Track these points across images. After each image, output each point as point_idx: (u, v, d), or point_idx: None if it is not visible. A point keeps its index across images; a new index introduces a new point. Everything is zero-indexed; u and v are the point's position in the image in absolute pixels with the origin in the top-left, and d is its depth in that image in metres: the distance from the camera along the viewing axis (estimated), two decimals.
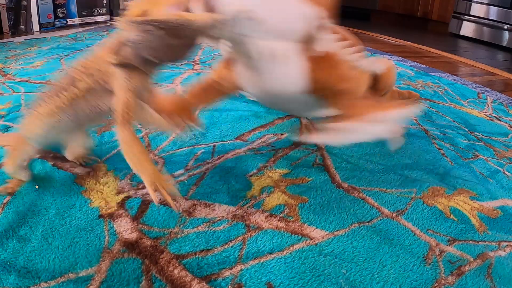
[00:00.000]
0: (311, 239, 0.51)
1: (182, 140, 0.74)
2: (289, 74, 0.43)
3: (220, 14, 0.39)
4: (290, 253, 0.49)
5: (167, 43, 0.43)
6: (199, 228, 0.52)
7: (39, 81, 1.06)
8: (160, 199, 0.57)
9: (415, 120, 0.92)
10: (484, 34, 2.17)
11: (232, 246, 0.49)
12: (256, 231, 0.52)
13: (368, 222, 0.55)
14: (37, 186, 0.59)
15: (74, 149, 0.61)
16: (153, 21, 0.41)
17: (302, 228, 0.53)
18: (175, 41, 0.43)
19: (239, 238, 0.51)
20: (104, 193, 0.58)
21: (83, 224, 0.52)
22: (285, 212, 0.56)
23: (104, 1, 2.14)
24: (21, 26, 1.83)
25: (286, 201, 0.59)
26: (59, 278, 0.43)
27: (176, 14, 0.41)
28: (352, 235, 0.52)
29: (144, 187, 0.60)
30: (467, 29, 2.26)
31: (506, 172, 0.72)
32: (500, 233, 0.55)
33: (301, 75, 0.44)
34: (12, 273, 0.44)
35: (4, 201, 0.56)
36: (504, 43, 2.06)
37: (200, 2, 0.40)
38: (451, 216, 0.57)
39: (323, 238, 0.52)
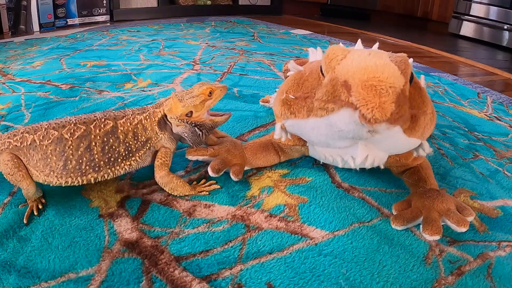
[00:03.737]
0: (311, 239, 0.51)
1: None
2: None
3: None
4: (290, 253, 0.49)
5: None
6: (199, 228, 0.52)
7: (39, 81, 1.06)
8: (160, 200, 0.57)
9: None
10: (484, 34, 2.17)
11: (232, 246, 0.49)
12: (256, 231, 0.52)
13: (368, 222, 0.55)
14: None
15: None
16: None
17: (302, 228, 0.53)
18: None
19: (239, 238, 0.51)
20: (104, 193, 0.58)
21: (83, 224, 0.52)
22: (285, 212, 0.56)
23: (104, 1, 2.14)
24: (21, 26, 1.83)
25: (286, 201, 0.59)
26: (59, 277, 0.43)
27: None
28: (352, 235, 0.52)
29: (144, 187, 0.60)
30: (467, 29, 2.26)
31: (506, 172, 0.71)
32: (500, 233, 0.55)
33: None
34: (12, 273, 0.44)
35: (5, 201, 0.56)
36: (504, 43, 2.06)
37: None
38: None
39: (323, 238, 0.52)
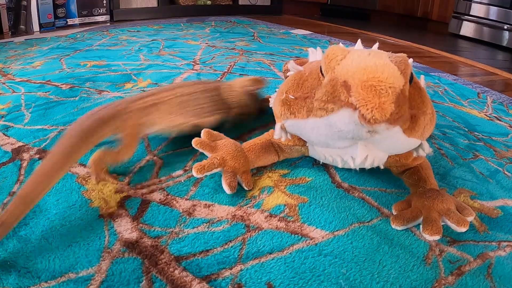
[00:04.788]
0: (311, 239, 0.51)
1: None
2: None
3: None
4: (290, 253, 0.49)
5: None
6: (199, 228, 0.52)
7: (39, 81, 1.06)
8: (160, 199, 0.57)
9: None
10: (484, 34, 2.17)
11: (232, 246, 0.49)
12: (256, 231, 0.52)
13: (368, 222, 0.55)
14: None
15: None
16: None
17: (302, 228, 0.53)
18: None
19: (239, 238, 0.51)
20: (104, 193, 0.58)
21: (83, 224, 0.52)
22: (285, 212, 0.56)
23: (104, 1, 2.14)
24: (21, 26, 1.83)
25: (286, 201, 0.59)
26: (59, 278, 0.43)
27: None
28: (352, 235, 0.52)
29: (143, 187, 0.60)
30: (467, 29, 2.26)
31: (506, 172, 0.71)
32: (500, 233, 0.55)
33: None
34: (12, 273, 0.44)
35: (4, 201, 0.56)
36: (504, 43, 2.06)
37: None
38: None
39: (323, 238, 0.52)
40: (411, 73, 0.49)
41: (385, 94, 0.44)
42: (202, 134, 0.66)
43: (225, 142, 0.64)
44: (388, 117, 0.44)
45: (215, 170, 0.60)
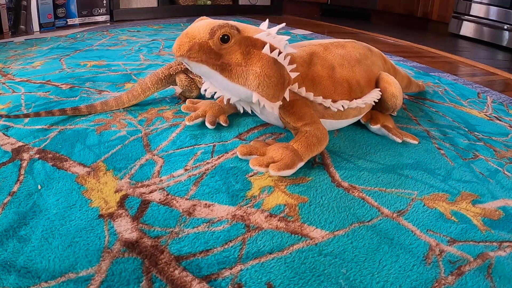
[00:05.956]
0: (311, 239, 0.51)
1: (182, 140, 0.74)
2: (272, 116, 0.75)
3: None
4: (290, 253, 0.49)
5: None
6: (199, 228, 0.52)
7: (39, 81, 1.06)
8: (160, 199, 0.57)
9: (416, 120, 0.92)
10: (484, 34, 2.17)
11: (232, 246, 0.49)
12: (256, 231, 0.52)
13: (368, 222, 0.55)
14: (39, 186, 0.59)
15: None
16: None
17: (302, 228, 0.53)
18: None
19: (239, 238, 0.51)
20: (104, 193, 0.58)
21: (83, 224, 0.52)
22: (285, 212, 0.56)
23: (104, 1, 2.14)
24: (21, 26, 1.83)
25: (286, 201, 0.59)
26: (59, 278, 0.43)
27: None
28: (352, 235, 0.52)
29: (142, 187, 0.60)
30: (467, 29, 2.26)
31: (506, 172, 0.71)
32: (501, 232, 0.55)
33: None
34: (12, 273, 0.44)
35: (4, 201, 0.56)
36: (504, 43, 2.06)
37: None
38: (452, 218, 0.58)
39: (323, 238, 0.52)
40: (228, 35, 0.60)
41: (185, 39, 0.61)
42: (186, 102, 0.85)
43: (203, 101, 0.84)
44: (181, 53, 0.60)
45: (200, 119, 0.79)
